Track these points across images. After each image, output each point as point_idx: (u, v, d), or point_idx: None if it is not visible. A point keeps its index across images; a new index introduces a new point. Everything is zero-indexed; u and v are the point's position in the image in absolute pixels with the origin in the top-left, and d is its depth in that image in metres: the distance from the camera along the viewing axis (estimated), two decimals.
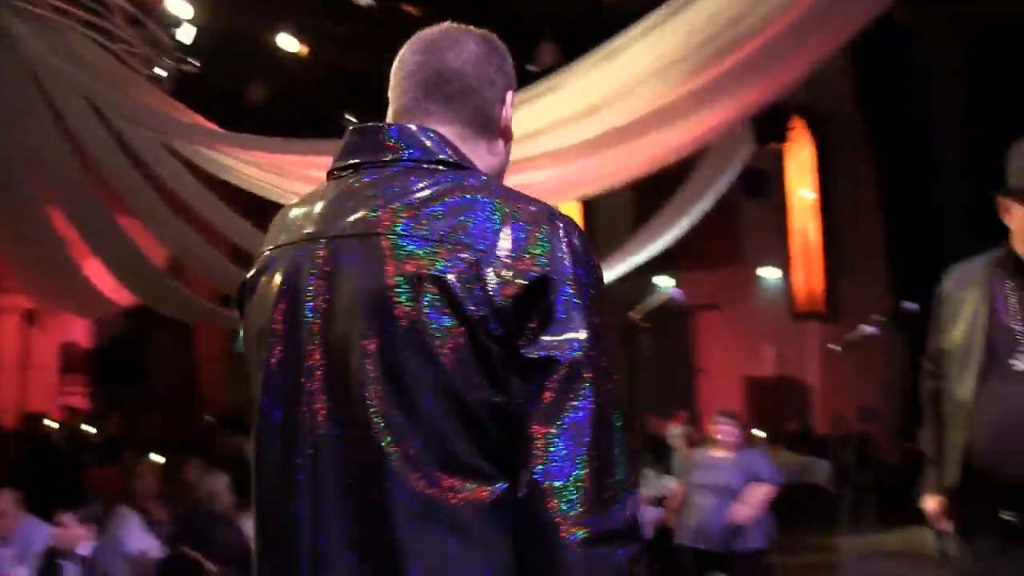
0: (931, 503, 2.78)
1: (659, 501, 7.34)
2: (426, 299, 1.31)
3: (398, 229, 1.36)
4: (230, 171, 7.78)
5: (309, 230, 1.44)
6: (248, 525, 5.89)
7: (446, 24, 1.55)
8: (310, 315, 1.40)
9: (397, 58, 1.54)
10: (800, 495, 9.14)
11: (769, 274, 13.17)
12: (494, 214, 1.35)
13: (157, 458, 7.78)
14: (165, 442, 9.28)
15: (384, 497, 1.31)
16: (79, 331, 15.51)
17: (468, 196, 1.38)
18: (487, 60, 1.52)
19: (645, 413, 11.83)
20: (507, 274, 1.31)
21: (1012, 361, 2.56)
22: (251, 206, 9.03)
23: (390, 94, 1.55)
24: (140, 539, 5.68)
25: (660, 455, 9.39)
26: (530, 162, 5.77)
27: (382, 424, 1.31)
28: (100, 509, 5.28)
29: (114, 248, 9.83)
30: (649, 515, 7.10)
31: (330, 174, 1.51)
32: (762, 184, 12.95)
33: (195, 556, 4.88)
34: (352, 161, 1.47)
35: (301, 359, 1.40)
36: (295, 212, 1.51)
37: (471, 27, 1.56)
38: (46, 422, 12.01)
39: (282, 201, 7.99)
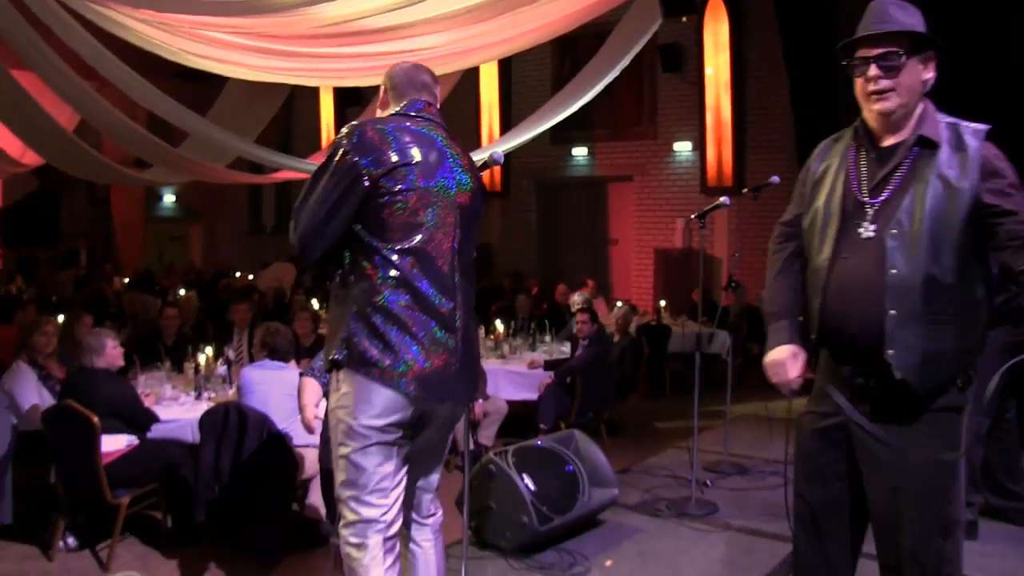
0: (773, 355, 2.88)
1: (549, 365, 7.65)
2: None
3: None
4: (126, 29, 7.56)
5: None
6: (136, 381, 6.04)
7: None
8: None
9: None
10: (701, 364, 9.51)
11: (682, 148, 13.32)
12: None
13: (60, 317, 7.82)
14: (73, 303, 9.28)
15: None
16: None
17: None
18: None
19: (555, 281, 12.09)
20: None
21: (860, 229, 2.71)
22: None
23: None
24: (34, 393, 5.80)
25: (560, 322, 9.67)
26: (423, 26, 5.76)
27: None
28: None
29: (14, 107, 9.51)
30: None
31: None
32: (679, 59, 12.99)
33: (79, 408, 4.99)
34: None
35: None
36: None
37: None
38: None
39: (177, 60, 7.87)
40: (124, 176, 12.05)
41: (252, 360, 6.31)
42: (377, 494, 2.80)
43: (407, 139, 2.85)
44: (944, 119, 2.71)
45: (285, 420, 5.21)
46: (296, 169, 10.44)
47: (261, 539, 5.08)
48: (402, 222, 2.79)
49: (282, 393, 5.27)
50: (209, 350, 6.36)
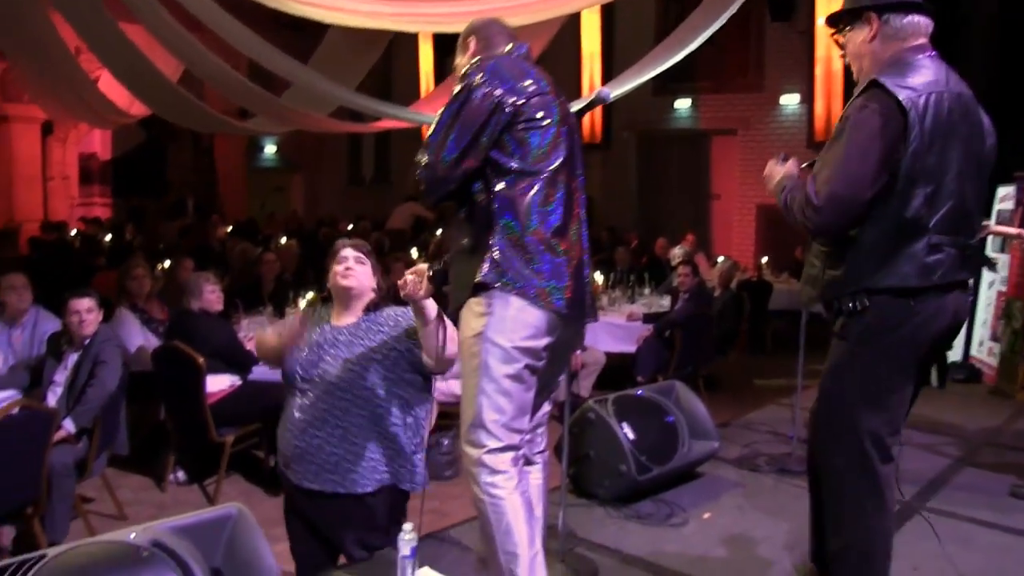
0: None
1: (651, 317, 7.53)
2: None
3: None
4: None
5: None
6: (239, 325, 6.16)
7: None
8: None
9: None
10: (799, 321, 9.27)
11: (789, 101, 12.88)
12: None
13: (165, 264, 8.03)
14: (178, 250, 9.50)
15: None
16: (98, 142, 15.54)
17: None
18: None
19: (655, 235, 11.89)
20: None
21: None
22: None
23: None
24: (138, 336, 5.97)
25: (659, 276, 9.51)
26: None
27: None
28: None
29: (122, 59, 9.73)
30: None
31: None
32: (788, 7, 12.51)
33: (185, 349, 5.11)
34: None
35: None
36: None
37: None
38: (66, 231, 12.28)
39: (279, 8, 7.88)
40: (227, 126, 12.26)
41: None
42: (521, 420, 2.74)
43: (535, 71, 2.85)
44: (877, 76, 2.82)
45: None
46: (398, 117, 10.44)
47: None
48: (541, 149, 2.75)
49: None
50: (310, 295, 6.43)
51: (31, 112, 13.83)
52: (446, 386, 5.73)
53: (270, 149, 18.71)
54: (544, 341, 2.75)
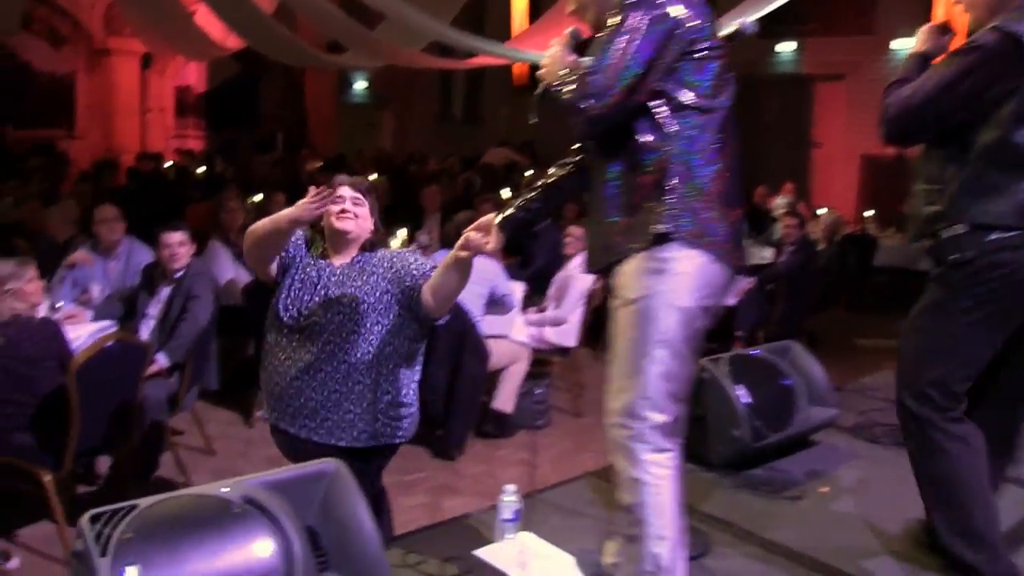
0: None
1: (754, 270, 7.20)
2: None
3: None
4: None
5: None
6: None
7: None
8: None
9: None
10: (906, 280, 8.88)
11: (903, 46, 12.19)
12: None
13: (257, 198, 7.96)
14: (270, 184, 9.46)
15: None
16: (194, 75, 15.67)
17: None
18: None
19: (752, 182, 11.44)
20: None
21: None
22: None
23: None
24: (229, 270, 5.91)
25: (758, 226, 9.13)
26: None
27: None
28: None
29: None
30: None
31: None
32: None
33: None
34: None
35: None
36: None
37: None
38: (163, 163, 12.38)
39: None
40: (319, 60, 12.18)
41: (444, 245, 6.18)
42: (686, 388, 2.46)
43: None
44: None
45: (474, 310, 5.06)
46: (492, 54, 10.19)
47: (449, 427, 5.00)
48: (717, 82, 2.42)
49: (472, 282, 5.08)
50: (402, 233, 6.27)
51: (131, 46, 13.99)
52: (538, 332, 5.55)
53: (360, 85, 18.62)
54: (719, 299, 2.48)
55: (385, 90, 18.42)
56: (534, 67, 12.27)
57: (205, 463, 4.86)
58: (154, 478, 4.49)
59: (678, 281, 2.36)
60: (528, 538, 2.91)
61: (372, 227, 3.06)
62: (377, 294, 2.92)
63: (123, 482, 4.27)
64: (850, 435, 4.49)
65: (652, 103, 2.37)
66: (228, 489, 2.10)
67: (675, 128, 2.37)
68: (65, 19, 13.77)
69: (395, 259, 3.01)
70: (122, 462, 4.30)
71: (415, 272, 2.94)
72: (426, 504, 4.41)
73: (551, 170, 2.89)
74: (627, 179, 2.44)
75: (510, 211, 2.79)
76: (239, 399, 5.56)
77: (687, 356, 2.40)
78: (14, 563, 3.68)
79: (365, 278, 2.95)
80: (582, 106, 2.29)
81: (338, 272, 2.97)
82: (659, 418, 2.37)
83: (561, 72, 2.36)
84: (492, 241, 2.71)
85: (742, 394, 3.85)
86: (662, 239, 2.35)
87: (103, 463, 4.56)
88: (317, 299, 2.91)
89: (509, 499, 2.80)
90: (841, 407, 4.45)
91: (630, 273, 2.40)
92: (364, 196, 3.04)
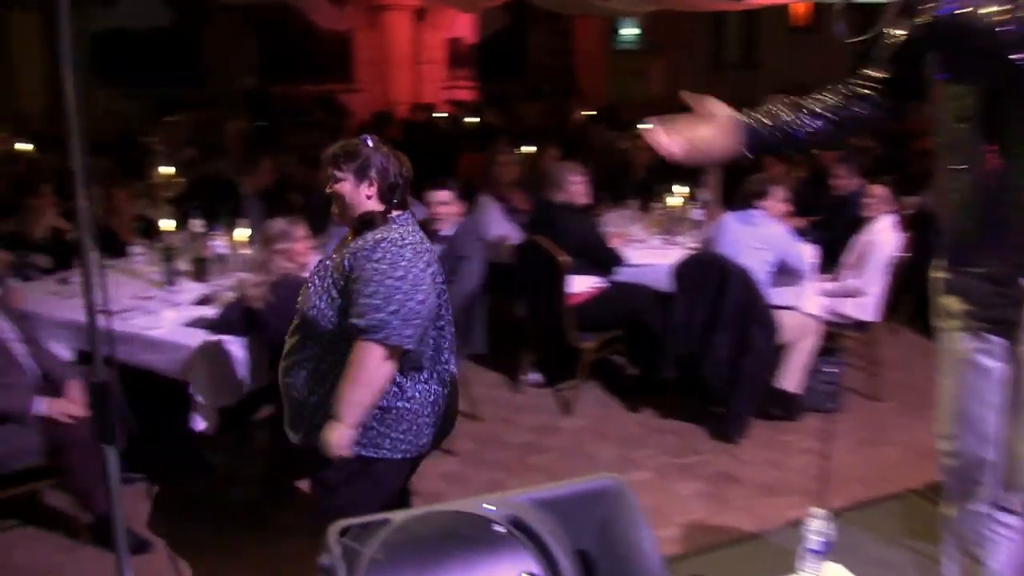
0: None
1: None
2: None
3: None
4: None
5: None
6: (602, 218, 5.67)
7: None
8: None
9: None
10: None
11: None
12: None
13: (528, 149, 7.73)
14: (539, 134, 9.23)
15: None
16: (464, 27, 15.84)
17: None
18: None
19: None
20: None
21: None
22: None
23: None
24: (499, 225, 5.70)
25: None
26: None
27: None
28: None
29: None
30: None
31: None
32: None
33: (547, 245, 4.70)
34: None
35: None
36: None
37: None
38: (434, 114, 12.54)
39: None
40: (590, 7, 11.80)
41: (727, 202, 5.63)
42: None
43: None
44: None
45: (762, 277, 4.52)
46: None
47: (730, 406, 4.53)
48: None
49: (758, 247, 4.55)
50: (681, 190, 5.78)
51: (406, 0, 14.31)
52: (833, 304, 4.92)
53: (630, 31, 18.11)
54: None
55: (656, 36, 17.85)
56: (817, 4, 11.26)
57: (468, 429, 4.69)
58: None
59: None
60: (836, 573, 2.41)
61: (368, 194, 2.55)
62: (336, 290, 2.54)
63: None
64: None
65: None
66: (492, 507, 1.78)
67: None
68: None
69: (361, 250, 2.49)
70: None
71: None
72: (704, 493, 3.98)
73: (829, 97, 2.31)
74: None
75: (754, 121, 2.29)
76: (506, 361, 5.37)
77: None
78: None
79: (337, 267, 2.54)
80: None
81: (331, 257, 2.65)
82: None
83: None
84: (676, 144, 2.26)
85: None
86: None
87: None
88: (309, 287, 2.64)
89: (817, 526, 2.31)
90: None
91: None
92: (344, 165, 2.56)
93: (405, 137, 9.95)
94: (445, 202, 4.52)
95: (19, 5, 10.93)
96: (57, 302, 4.25)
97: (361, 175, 2.54)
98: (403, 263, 2.44)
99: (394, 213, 2.57)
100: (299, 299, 2.65)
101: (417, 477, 4.02)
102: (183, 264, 4.65)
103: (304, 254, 3.84)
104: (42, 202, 5.06)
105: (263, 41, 14.36)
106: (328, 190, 2.58)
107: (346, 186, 2.55)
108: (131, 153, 7.86)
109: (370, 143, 2.58)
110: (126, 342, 3.63)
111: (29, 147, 7.84)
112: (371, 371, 2.43)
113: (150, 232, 5.08)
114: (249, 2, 12.87)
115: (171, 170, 6.54)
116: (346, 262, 2.48)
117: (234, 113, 9.87)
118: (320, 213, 5.40)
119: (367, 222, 2.54)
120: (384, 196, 2.55)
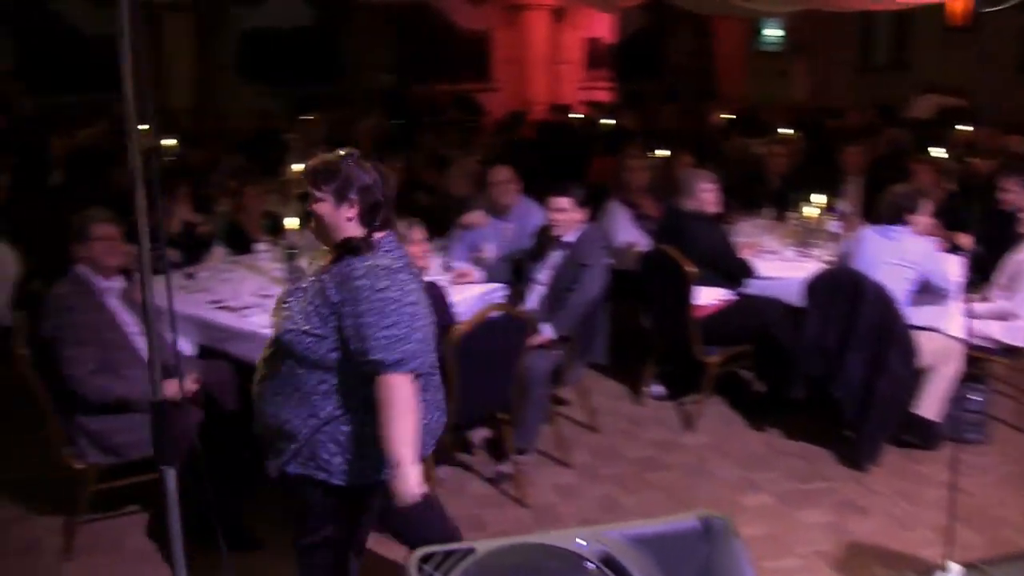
0: None
1: None
2: None
3: None
4: None
5: None
6: (734, 228, 5.47)
7: None
8: None
9: None
10: None
11: None
12: None
13: (661, 153, 7.56)
14: (676, 137, 9.05)
15: None
16: (603, 27, 15.75)
17: None
18: None
19: None
20: None
21: None
22: None
23: None
24: (627, 231, 5.58)
25: None
26: None
27: None
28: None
29: None
30: None
31: None
32: None
33: (675, 255, 4.56)
34: None
35: None
36: None
37: None
38: (570, 115, 12.49)
39: None
40: (732, 7, 11.50)
41: (867, 214, 5.34)
42: None
43: None
44: None
45: (901, 296, 4.25)
46: None
47: (862, 431, 4.28)
48: None
49: (899, 263, 4.28)
50: (820, 200, 5.50)
51: (545, 0, 14.27)
52: (980, 326, 4.58)
53: (773, 32, 17.60)
54: None
55: (800, 36, 17.30)
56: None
57: (586, 440, 4.61)
58: (536, 452, 4.32)
59: None
60: None
61: (348, 216, 2.42)
62: (310, 313, 2.44)
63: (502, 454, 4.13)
64: None
65: None
66: (584, 542, 1.69)
67: None
68: None
69: (337, 279, 2.39)
70: (499, 436, 4.14)
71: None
72: (828, 524, 3.76)
73: None
74: None
75: None
76: (628, 372, 5.25)
77: None
78: None
79: (313, 291, 2.44)
80: None
81: (310, 280, 2.51)
82: None
83: None
84: None
85: None
86: None
87: (477, 435, 4.48)
88: (286, 307, 2.53)
89: None
90: None
91: None
92: (324, 184, 2.42)
93: (538, 138, 9.94)
94: (564, 209, 4.44)
95: (172, 7, 11.45)
96: (183, 297, 4.36)
97: (340, 196, 2.41)
98: (409, 287, 2.40)
99: (377, 236, 2.44)
100: (273, 322, 2.55)
101: (530, 487, 3.99)
102: (306, 262, 4.72)
103: (421, 257, 3.81)
104: (178, 197, 5.23)
105: (402, 40, 14.63)
106: (307, 209, 2.48)
107: (325, 207, 2.42)
108: (272, 151, 8.09)
109: (351, 160, 2.46)
110: (245, 339, 3.69)
111: (173, 142, 8.14)
112: (408, 401, 2.35)
113: (277, 229, 5.18)
114: (389, 1, 13.12)
115: (303, 167, 6.66)
116: (331, 291, 2.38)
117: (369, 112, 10.07)
118: (445, 214, 5.44)
119: (351, 248, 2.42)
120: (365, 218, 2.42)
